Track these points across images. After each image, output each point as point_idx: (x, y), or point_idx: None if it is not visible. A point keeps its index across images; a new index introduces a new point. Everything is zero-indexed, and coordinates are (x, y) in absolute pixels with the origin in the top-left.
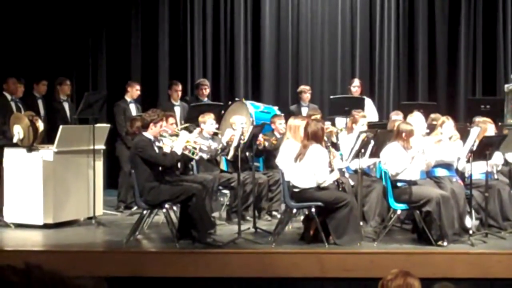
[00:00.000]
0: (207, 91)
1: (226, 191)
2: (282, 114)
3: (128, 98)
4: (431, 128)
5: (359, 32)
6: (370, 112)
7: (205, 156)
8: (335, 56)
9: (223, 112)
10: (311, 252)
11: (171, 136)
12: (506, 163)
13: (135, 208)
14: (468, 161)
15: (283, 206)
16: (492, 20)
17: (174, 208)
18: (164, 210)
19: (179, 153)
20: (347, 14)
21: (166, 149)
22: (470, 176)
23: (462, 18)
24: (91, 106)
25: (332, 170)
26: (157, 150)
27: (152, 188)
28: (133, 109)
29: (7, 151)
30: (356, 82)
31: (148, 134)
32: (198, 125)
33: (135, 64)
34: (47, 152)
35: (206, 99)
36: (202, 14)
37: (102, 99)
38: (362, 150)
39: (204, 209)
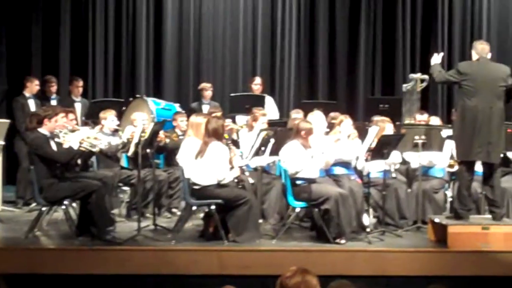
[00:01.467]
0: (54, 88)
1: (126, 188)
2: (183, 111)
3: (27, 93)
4: (331, 126)
5: (260, 31)
6: (270, 110)
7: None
8: (237, 54)
9: (124, 108)
10: (211, 250)
11: (71, 132)
12: (403, 162)
13: (34, 204)
14: (366, 160)
15: (183, 203)
16: (392, 21)
17: (74, 204)
18: (64, 207)
19: (75, 148)
20: (249, 12)
21: (66, 145)
22: (368, 174)
23: (362, 18)
24: None
25: (232, 168)
26: (54, 146)
27: (51, 185)
28: (32, 104)
29: None
30: (258, 80)
31: (44, 130)
32: (99, 122)
33: (35, 59)
34: None
35: (54, 95)
36: (104, 9)
37: (1, 95)
38: (262, 148)
39: (103, 206)
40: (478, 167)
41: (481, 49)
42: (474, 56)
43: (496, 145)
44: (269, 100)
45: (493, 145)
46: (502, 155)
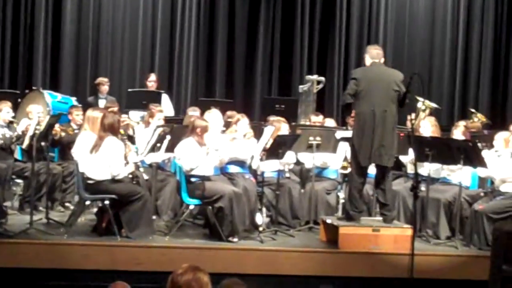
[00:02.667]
0: None
1: (19, 181)
2: (80, 105)
3: None
4: (227, 125)
5: (159, 27)
6: (166, 107)
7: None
8: (135, 50)
9: (20, 100)
10: (103, 245)
11: None
12: (297, 162)
13: None
14: (261, 159)
15: (76, 198)
16: (290, 23)
17: None
18: None
19: None
20: (149, 8)
21: None
22: (263, 174)
23: (261, 18)
24: None
25: (127, 163)
26: None
27: None
28: None
29: None
30: (153, 77)
31: None
32: None
33: None
34: None
35: None
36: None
37: None
38: (158, 145)
39: None
40: (371, 170)
41: (375, 54)
42: (368, 60)
43: (388, 148)
44: (165, 97)
45: (385, 148)
46: (394, 159)
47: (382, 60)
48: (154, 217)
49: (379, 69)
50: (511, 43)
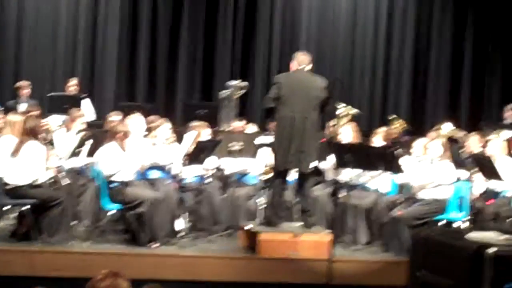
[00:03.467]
0: None
1: None
2: (2, 108)
3: None
4: (149, 130)
5: (82, 31)
6: (88, 111)
7: None
8: (57, 54)
9: None
10: (22, 250)
11: None
12: (219, 167)
13: None
14: (182, 165)
15: None
16: (212, 28)
17: None
18: None
19: None
20: (71, 12)
21: None
22: (184, 179)
23: (184, 23)
24: None
25: (47, 168)
26: None
27: None
28: None
29: None
30: (74, 81)
31: None
32: None
33: None
34: None
35: None
36: None
37: None
38: (79, 149)
39: None
40: (292, 176)
41: (301, 60)
42: (295, 65)
43: (308, 154)
44: (86, 102)
45: (305, 154)
46: (314, 165)
47: (309, 66)
48: (74, 222)
49: (302, 75)
50: (431, 48)
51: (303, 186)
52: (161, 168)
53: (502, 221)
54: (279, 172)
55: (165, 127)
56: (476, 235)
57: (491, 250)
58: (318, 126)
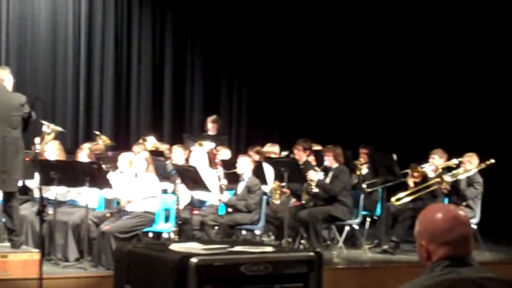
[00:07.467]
0: None
1: None
2: None
3: None
4: None
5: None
6: None
7: None
8: None
9: None
10: None
11: None
12: None
13: None
14: None
15: None
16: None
17: None
18: None
19: None
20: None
21: None
22: None
23: None
24: None
25: None
26: None
27: None
28: None
29: None
30: None
31: None
32: None
33: None
34: None
35: None
36: None
37: None
38: None
39: None
40: None
41: None
42: None
43: (10, 174)
44: None
45: (7, 174)
46: (20, 183)
47: (9, 82)
48: None
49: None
50: (131, 63)
51: (9, 206)
52: None
53: (208, 229)
54: None
55: None
56: (179, 246)
57: (194, 260)
58: (21, 144)
